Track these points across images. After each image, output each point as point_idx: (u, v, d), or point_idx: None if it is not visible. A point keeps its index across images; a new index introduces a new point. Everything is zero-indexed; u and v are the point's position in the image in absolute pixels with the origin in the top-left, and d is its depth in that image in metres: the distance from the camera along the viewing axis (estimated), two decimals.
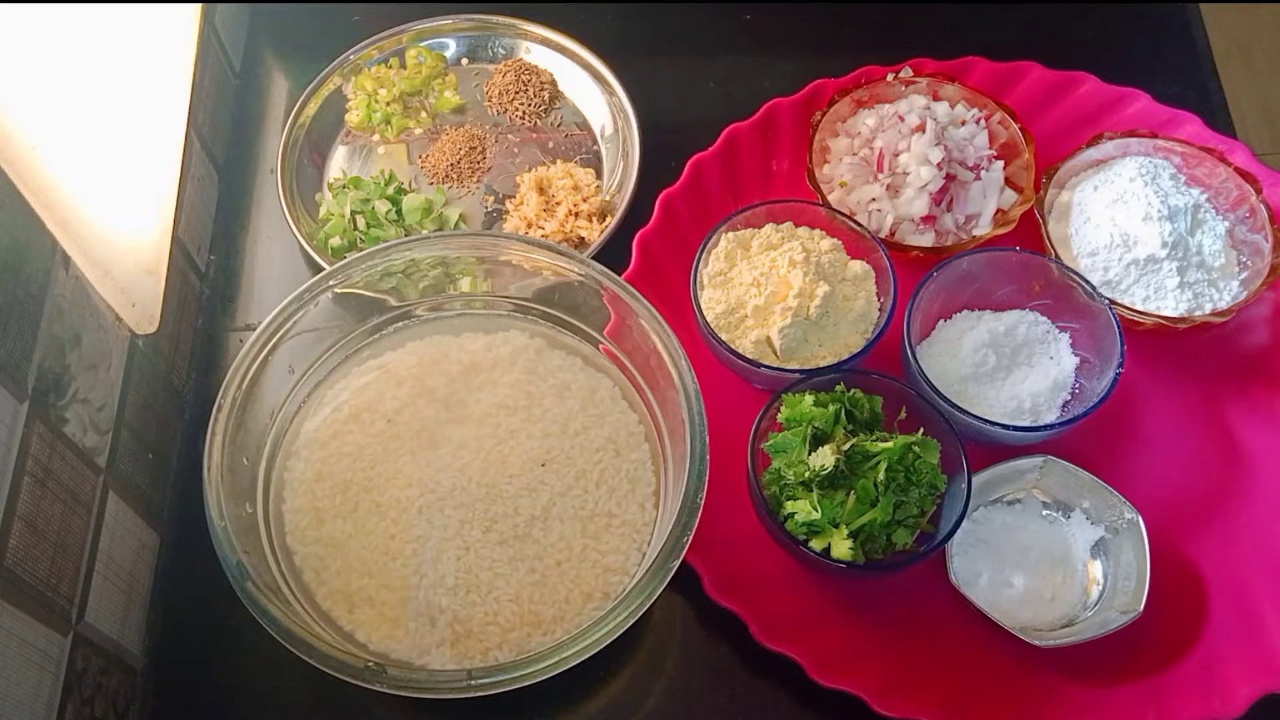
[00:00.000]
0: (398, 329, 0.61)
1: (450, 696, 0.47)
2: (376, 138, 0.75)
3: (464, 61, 0.78)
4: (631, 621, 0.48)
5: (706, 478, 0.50)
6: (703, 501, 0.50)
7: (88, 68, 0.57)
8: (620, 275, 0.64)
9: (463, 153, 0.73)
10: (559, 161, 0.73)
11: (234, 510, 0.51)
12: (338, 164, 0.74)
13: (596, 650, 0.47)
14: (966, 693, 0.56)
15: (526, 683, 0.47)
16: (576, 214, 0.69)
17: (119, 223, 0.58)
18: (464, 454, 0.57)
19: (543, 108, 0.75)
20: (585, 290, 0.57)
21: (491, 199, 0.72)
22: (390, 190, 0.70)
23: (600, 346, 0.59)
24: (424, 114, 0.76)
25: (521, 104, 0.75)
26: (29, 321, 0.49)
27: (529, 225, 0.69)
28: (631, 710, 0.58)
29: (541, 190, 0.70)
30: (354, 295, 0.58)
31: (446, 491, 0.56)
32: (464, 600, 0.53)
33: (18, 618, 0.47)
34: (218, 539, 0.49)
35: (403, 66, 0.77)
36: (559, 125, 0.76)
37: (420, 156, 0.74)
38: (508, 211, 0.71)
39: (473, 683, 0.47)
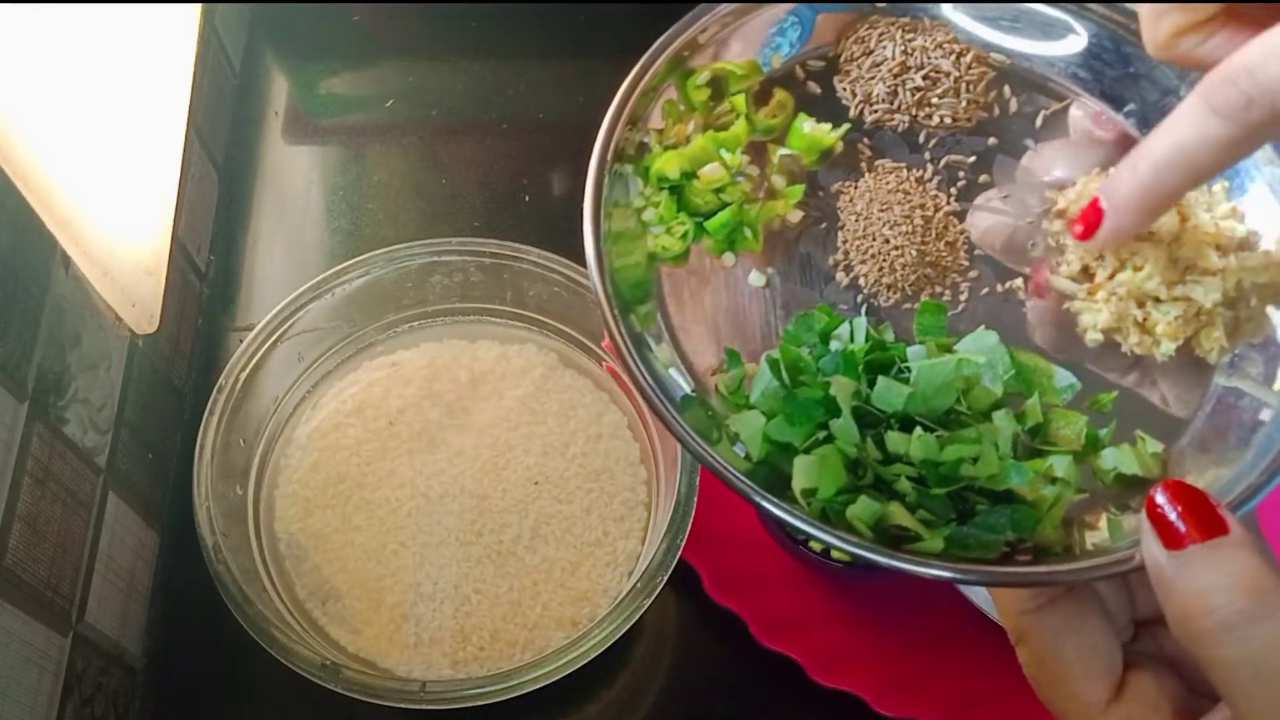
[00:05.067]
0: (412, 328, 0.61)
1: (402, 705, 0.47)
2: (728, 261, 0.42)
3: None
4: (598, 652, 0.47)
5: (690, 520, 0.50)
6: (682, 543, 0.49)
7: (88, 68, 0.57)
8: None
9: (911, 229, 0.42)
10: (1095, 173, 0.42)
11: (222, 490, 0.52)
12: None
13: (559, 677, 0.47)
14: (967, 693, 0.56)
15: (482, 701, 0.47)
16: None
17: (119, 223, 0.58)
18: (460, 461, 0.57)
19: (987, 93, 0.44)
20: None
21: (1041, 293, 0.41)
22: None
23: (605, 365, 0.59)
24: (777, 181, 0.43)
25: (949, 98, 0.44)
26: (29, 321, 0.49)
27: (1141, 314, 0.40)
28: (631, 710, 0.58)
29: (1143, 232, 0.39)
30: (372, 290, 0.58)
31: (437, 498, 0.56)
32: (437, 610, 0.53)
33: (18, 618, 0.47)
34: (197, 518, 0.50)
35: (682, 116, 0.43)
36: (1015, 111, 0.44)
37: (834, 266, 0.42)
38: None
39: (425, 694, 0.47)
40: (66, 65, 0.55)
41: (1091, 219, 0.39)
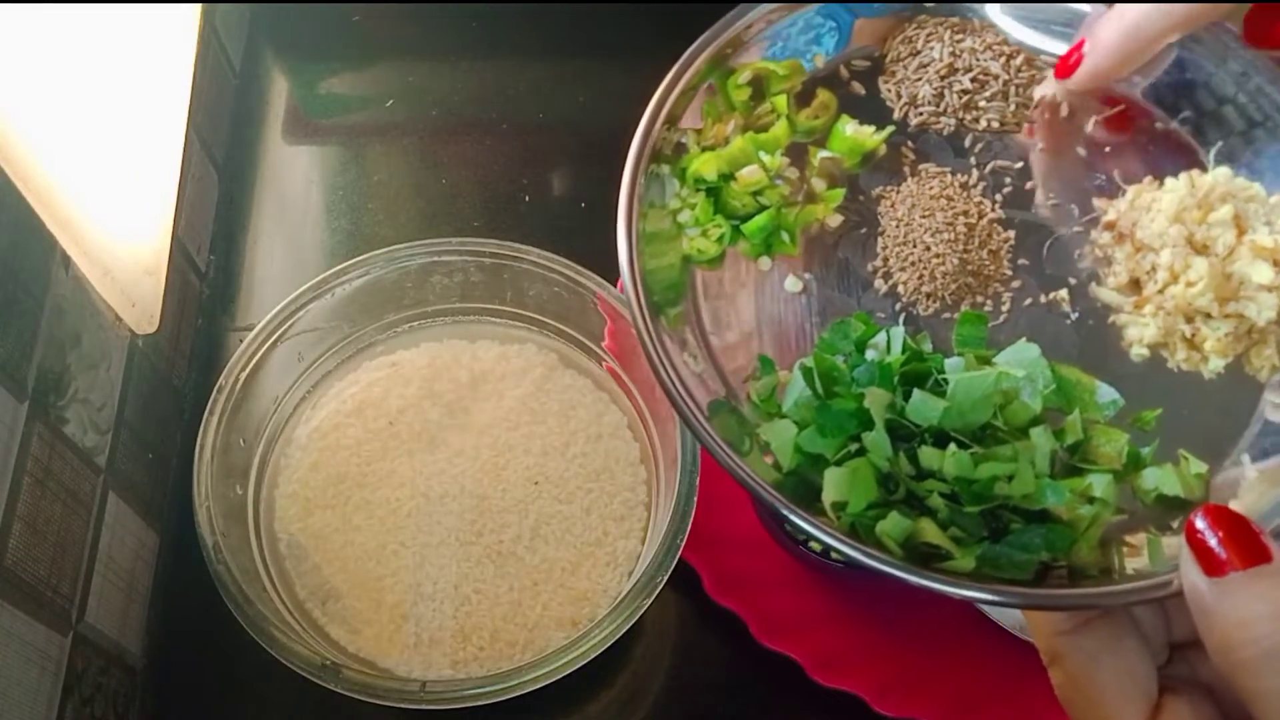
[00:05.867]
0: (412, 328, 0.61)
1: (402, 705, 0.47)
2: (765, 265, 0.42)
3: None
4: (598, 652, 0.47)
5: (690, 520, 0.50)
6: (682, 543, 0.49)
7: (88, 67, 0.57)
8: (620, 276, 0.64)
9: (953, 236, 0.41)
10: (1147, 182, 0.41)
11: (222, 490, 0.52)
12: None
13: (559, 677, 0.47)
14: (966, 692, 0.56)
15: (482, 701, 0.47)
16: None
17: (119, 223, 0.58)
18: (460, 461, 0.57)
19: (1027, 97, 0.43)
20: (597, 310, 0.57)
21: (1072, 307, 0.41)
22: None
23: (605, 365, 0.59)
24: (817, 184, 0.43)
25: (997, 101, 0.43)
26: (29, 321, 0.49)
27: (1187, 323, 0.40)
28: (631, 710, 0.58)
29: (1198, 245, 0.39)
30: (372, 290, 0.58)
31: (437, 498, 0.56)
32: (437, 610, 0.53)
33: (18, 618, 0.47)
34: (197, 518, 0.50)
35: (721, 116, 0.43)
36: (1065, 115, 0.43)
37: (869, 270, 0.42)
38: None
39: (425, 694, 0.47)
40: (66, 65, 0.55)
41: (1074, 60, 0.40)
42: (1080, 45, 0.40)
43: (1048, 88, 0.43)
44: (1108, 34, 0.39)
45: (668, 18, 0.79)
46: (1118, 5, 0.39)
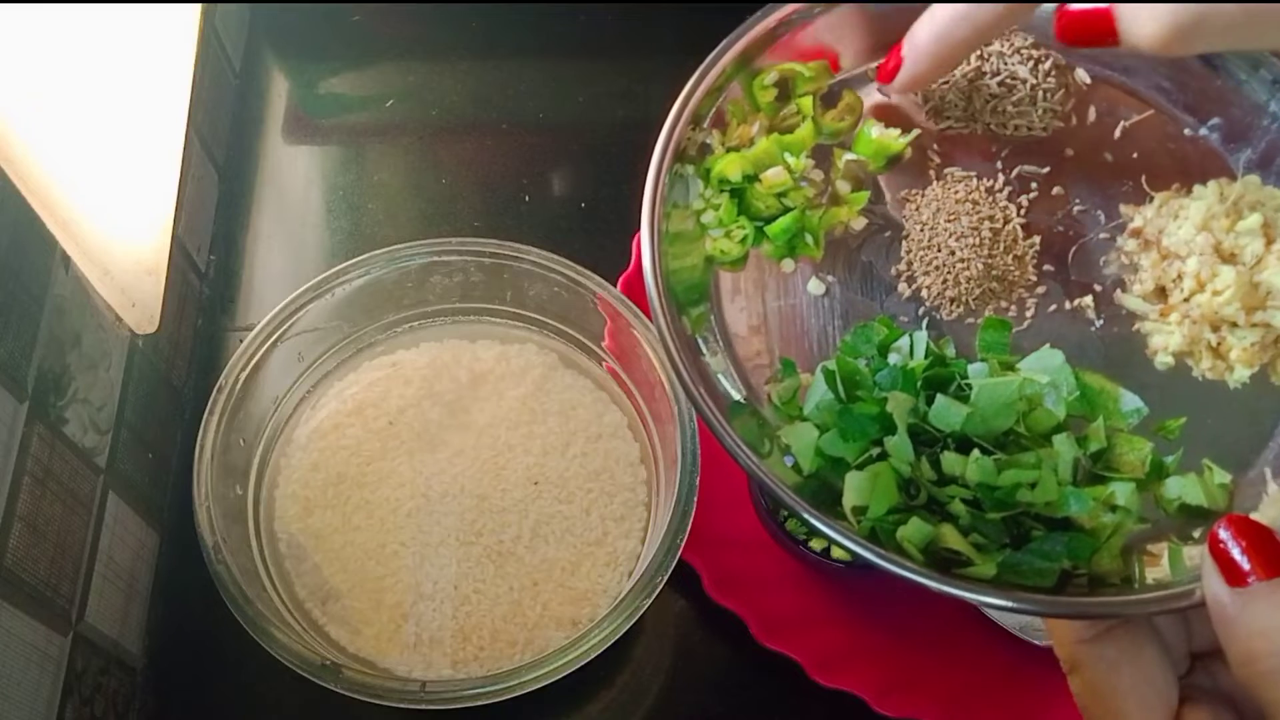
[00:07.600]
0: (412, 328, 0.61)
1: (402, 705, 0.47)
2: (788, 267, 0.42)
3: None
4: (598, 652, 0.47)
5: (690, 520, 0.50)
6: (682, 543, 0.49)
7: (87, 67, 0.57)
8: (620, 275, 0.64)
9: (978, 240, 0.41)
10: (1175, 189, 0.41)
11: (222, 490, 0.52)
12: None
13: (559, 677, 0.47)
14: (966, 692, 0.56)
15: (482, 701, 0.46)
16: None
17: (119, 223, 0.58)
18: (460, 461, 0.57)
19: (1065, 102, 0.43)
20: (597, 310, 0.57)
21: (1103, 320, 0.41)
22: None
23: (605, 365, 0.59)
24: (842, 186, 0.43)
25: (1025, 106, 0.43)
26: (29, 321, 0.49)
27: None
28: (630, 710, 0.58)
29: (1225, 253, 0.39)
30: (372, 290, 0.58)
31: (438, 497, 0.56)
32: (437, 610, 0.53)
33: (18, 618, 0.47)
34: (197, 518, 0.50)
35: (746, 117, 0.43)
36: (1094, 121, 0.43)
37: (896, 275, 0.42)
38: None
39: (425, 694, 0.47)
40: (66, 65, 0.55)
41: (892, 65, 0.40)
42: (898, 50, 0.39)
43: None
44: (922, 38, 0.39)
45: (668, 18, 0.79)
46: (931, 6, 0.38)
